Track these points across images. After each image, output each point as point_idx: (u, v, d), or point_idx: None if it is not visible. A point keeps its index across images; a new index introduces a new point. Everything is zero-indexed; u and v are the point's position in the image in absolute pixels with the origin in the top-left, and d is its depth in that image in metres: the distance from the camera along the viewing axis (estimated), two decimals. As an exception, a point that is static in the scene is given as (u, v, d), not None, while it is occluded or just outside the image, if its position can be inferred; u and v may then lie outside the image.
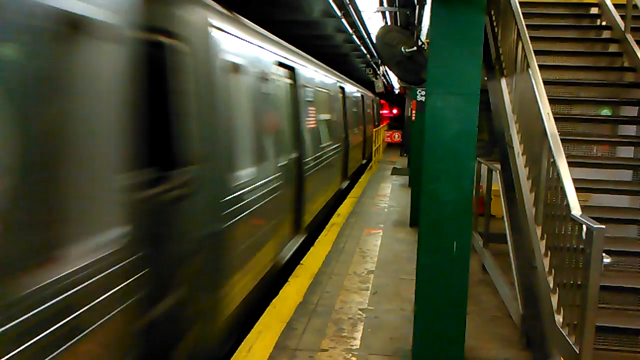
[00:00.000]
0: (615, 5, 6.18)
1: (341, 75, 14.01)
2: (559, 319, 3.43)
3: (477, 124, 3.85)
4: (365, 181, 14.46)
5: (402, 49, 7.64)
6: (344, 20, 11.18)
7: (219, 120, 3.88)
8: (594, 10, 6.63)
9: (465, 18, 3.81)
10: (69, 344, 2.04)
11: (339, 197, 11.60)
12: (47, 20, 1.93)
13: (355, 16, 11.01)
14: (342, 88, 12.61)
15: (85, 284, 2.13)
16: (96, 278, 2.20)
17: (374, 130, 20.05)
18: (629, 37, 5.68)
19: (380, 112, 32.37)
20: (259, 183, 4.88)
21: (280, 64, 6.23)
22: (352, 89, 15.39)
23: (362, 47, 15.84)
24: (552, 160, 3.72)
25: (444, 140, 3.86)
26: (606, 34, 6.21)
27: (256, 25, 5.63)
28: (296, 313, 5.02)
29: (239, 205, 4.20)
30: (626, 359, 3.80)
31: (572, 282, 3.28)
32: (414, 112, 10.15)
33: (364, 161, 18.30)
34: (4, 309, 1.73)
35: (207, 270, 3.66)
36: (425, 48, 7.42)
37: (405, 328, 4.65)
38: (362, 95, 18.39)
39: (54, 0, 1.96)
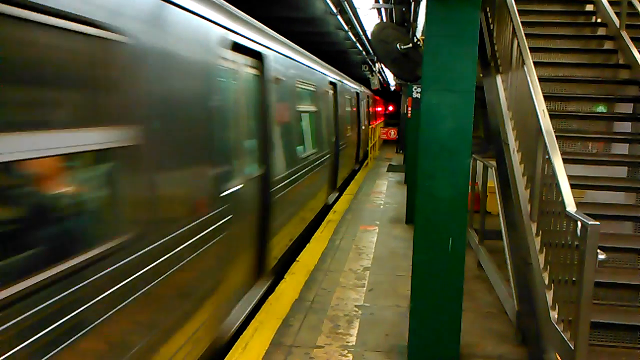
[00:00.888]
0: (611, 3, 6.19)
1: (277, 37, 6.25)
2: (554, 315, 3.44)
3: (472, 121, 3.85)
4: (361, 178, 14.46)
5: (398, 46, 7.65)
6: (340, 17, 11.17)
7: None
8: (589, 8, 6.64)
9: (461, 15, 3.81)
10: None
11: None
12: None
13: (351, 13, 11.01)
14: (257, 54, 5.05)
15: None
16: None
17: (369, 127, 19.69)
18: (624, 34, 5.69)
19: (374, 109, 27.37)
20: None
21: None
22: (302, 70, 7.34)
23: (358, 44, 15.84)
24: (547, 157, 3.72)
25: (439, 137, 3.86)
26: (601, 31, 6.22)
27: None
28: (292, 310, 5.02)
29: None
30: (621, 354, 3.81)
31: (567, 278, 3.29)
32: (409, 109, 10.16)
33: (336, 194, 11.21)
34: None
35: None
36: (421, 45, 7.42)
37: (401, 324, 4.66)
38: (333, 83, 10.74)
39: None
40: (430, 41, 3.89)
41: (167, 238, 2.97)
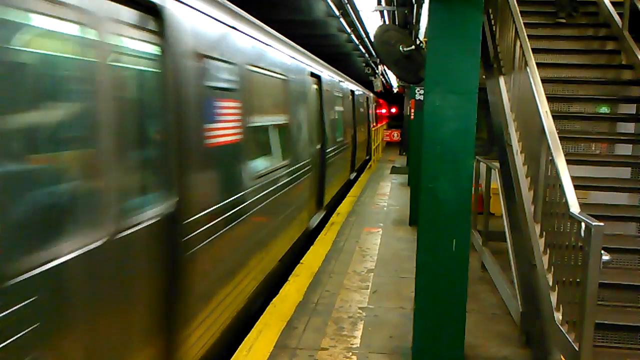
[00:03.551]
0: (613, 4, 6.19)
1: None
2: (558, 316, 3.44)
3: (475, 122, 3.85)
4: (365, 180, 14.46)
5: (400, 48, 7.64)
6: (342, 20, 11.19)
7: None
8: (592, 9, 6.63)
9: (463, 17, 3.81)
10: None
11: None
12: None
13: (354, 15, 11.03)
14: (147, 4, 2.80)
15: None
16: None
17: (371, 130, 19.50)
18: (627, 34, 5.69)
19: (377, 111, 26.49)
20: None
21: None
22: (259, 50, 5.04)
23: (361, 47, 15.86)
24: (550, 158, 3.73)
25: (442, 139, 3.86)
26: (604, 32, 6.21)
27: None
28: (296, 312, 5.03)
29: None
30: (625, 355, 3.81)
31: (571, 279, 3.29)
32: (412, 110, 10.16)
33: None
34: None
35: None
36: (424, 47, 7.42)
37: (405, 326, 4.66)
38: (316, 76, 8.41)
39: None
40: (433, 43, 3.90)
41: None
